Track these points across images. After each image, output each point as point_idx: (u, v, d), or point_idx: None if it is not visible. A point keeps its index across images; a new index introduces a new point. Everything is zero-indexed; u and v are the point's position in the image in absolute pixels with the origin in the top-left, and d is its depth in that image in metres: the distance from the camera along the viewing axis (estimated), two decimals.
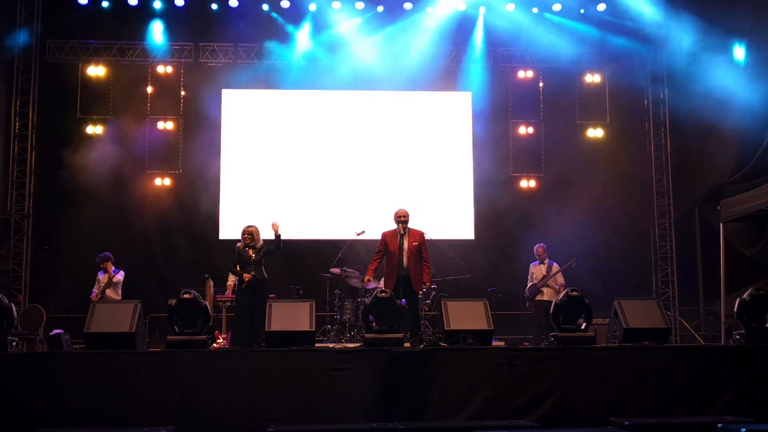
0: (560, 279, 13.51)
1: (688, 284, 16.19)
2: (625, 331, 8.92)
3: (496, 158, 16.88)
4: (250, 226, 11.53)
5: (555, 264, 13.64)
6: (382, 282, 11.38)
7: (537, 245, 13.84)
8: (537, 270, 13.71)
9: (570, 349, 8.43)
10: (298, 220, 16.05)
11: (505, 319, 14.17)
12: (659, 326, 8.96)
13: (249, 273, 11.14)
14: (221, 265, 15.54)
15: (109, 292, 13.23)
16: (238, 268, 11.35)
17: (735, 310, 9.13)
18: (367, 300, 9.66)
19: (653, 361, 8.33)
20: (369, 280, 11.40)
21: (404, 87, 16.72)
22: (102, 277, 13.37)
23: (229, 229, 16.09)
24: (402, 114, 16.79)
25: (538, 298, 13.48)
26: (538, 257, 13.71)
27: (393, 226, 11.43)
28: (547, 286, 13.48)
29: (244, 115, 16.62)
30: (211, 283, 13.50)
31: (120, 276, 13.43)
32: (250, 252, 11.29)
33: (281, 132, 16.61)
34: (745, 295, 9.14)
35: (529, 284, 13.71)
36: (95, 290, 13.30)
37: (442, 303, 9.36)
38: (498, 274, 15.92)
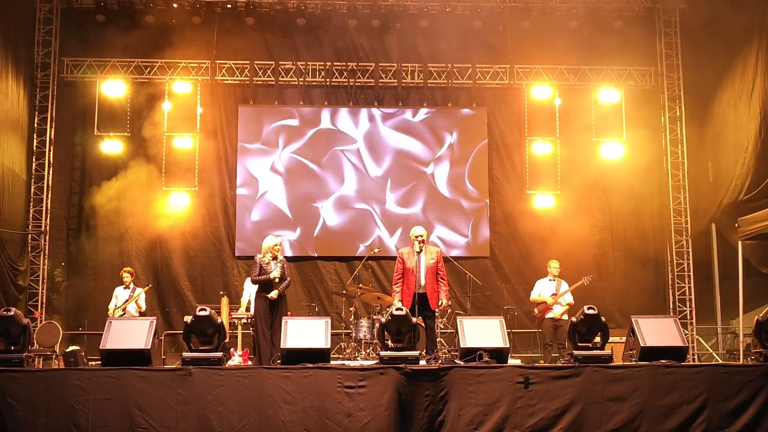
0: (569, 298, 13.36)
1: (705, 302, 16.04)
2: (642, 349, 8.82)
3: (512, 175, 16.90)
4: (278, 235, 11.45)
5: (564, 282, 13.48)
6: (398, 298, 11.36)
7: (551, 261, 13.72)
8: (546, 287, 13.52)
9: (587, 368, 8.36)
10: (314, 237, 16.18)
11: (522, 336, 14.20)
12: (676, 344, 8.86)
13: (273, 289, 11.07)
14: (237, 283, 15.83)
15: (130, 308, 13.23)
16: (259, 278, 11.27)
17: (753, 329, 9.05)
18: (383, 318, 9.59)
19: (671, 379, 8.26)
20: (395, 301, 11.13)
21: (422, 103, 16.84)
22: (121, 293, 13.36)
23: (245, 247, 16.20)
24: (419, 130, 16.82)
25: (548, 316, 13.29)
26: (550, 273, 13.54)
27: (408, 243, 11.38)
28: (560, 303, 13.32)
29: (260, 133, 16.65)
30: (227, 300, 13.48)
31: (143, 295, 13.50)
32: (275, 267, 11.18)
33: (299, 149, 16.65)
34: (762, 314, 9.05)
35: (534, 300, 13.53)
36: (114, 305, 13.25)
37: (458, 320, 9.28)
38: (514, 291, 16.01)
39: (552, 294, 13.32)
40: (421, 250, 11.08)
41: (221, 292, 13.93)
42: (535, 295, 13.56)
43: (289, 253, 15.99)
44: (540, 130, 16.78)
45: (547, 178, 16.68)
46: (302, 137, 16.69)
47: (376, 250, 14.26)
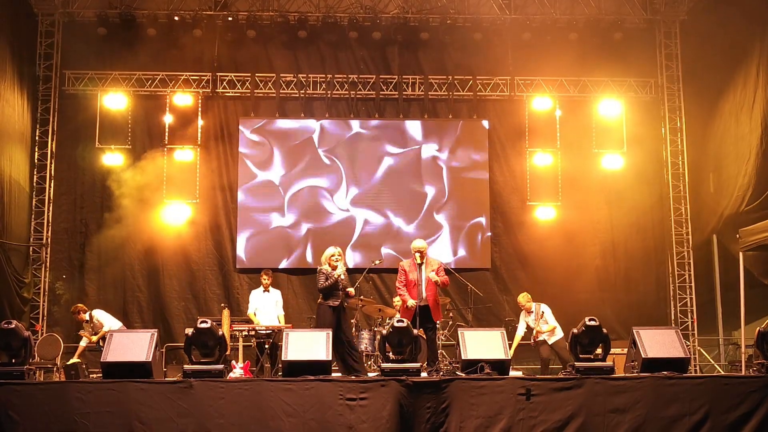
0: (551, 321, 13.21)
1: (707, 313, 16.00)
2: (643, 360, 8.78)
3: (513, 187, 16.89)
4: (337, 247, 11.31)
5: (543, 305, 13.28)
6: (399, 309, 11.39)
7: (519, 297, 13.54)
8: (528, 319, 13.40)
9: (588, 379, 8.32)
10: (315, 249, 16.06)
11: (523, 348, 14.05)
12: (678, 356, 8.79)
13: (338, 298, 10.94)
14: (239, 295, 15.91)
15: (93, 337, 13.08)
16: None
17: (755, 340, 9.00)
18: (384, 329, 9.50)
19: (672, 391, 8.20)
20: (408, 301, 11.13)
21: (423, 115, 16.86)
22: (86, 328, 13.22)
23: (246, 259, 16.21)
24: (419, 141, 16.82)
25: (540, 338, 13.24)
26: (522, 308, 13.40)
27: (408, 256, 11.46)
28: (542, 331, 13.16)
29: (261, 145, 16.65)
30: (228, 312, 13.33)
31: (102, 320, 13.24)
32: (340, 275, 11.03)
33: (300, 161, 16.61)
34: (764, 325, 9.00)
35: (520, 335, 13.42)
36: (88, 340, 13.10)
37: (459, 332, 9.24)
38: (515, 303, 15.22)
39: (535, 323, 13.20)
40: (422, 263, 11.11)
41: (222, 305, 13.87)
42: (519, 332, 13.40)
43: (288, 265, 16.10)
44: (541, 141, 16.78)
45: (548, 190, 16.67)
46: (303, 149, 16.66)
47: (376, 262, 14.16)
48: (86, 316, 13.16)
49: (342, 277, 10.96)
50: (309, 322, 14.57)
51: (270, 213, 16.50)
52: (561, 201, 16.61)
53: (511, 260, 16.71)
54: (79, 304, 13.57)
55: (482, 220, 16.68)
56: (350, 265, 15.34)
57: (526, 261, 16.54)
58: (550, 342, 13.11)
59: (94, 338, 12.95)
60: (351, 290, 11.19)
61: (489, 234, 16.67)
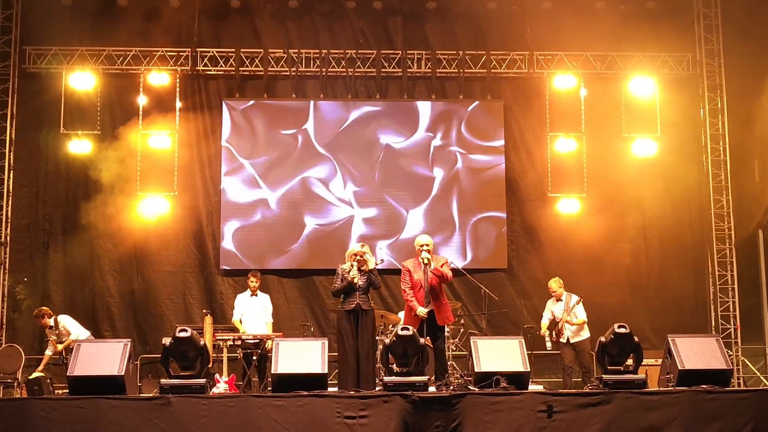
0: (581, 314, 13.22)
1: (752, 319, 15.96)
2: (680, 372, 8.80)
3: (532, 176, 16.79)
4: (363, 245, 11.21)
5: (574, 296, 13.33)
6: (404, 315, 11.28)
7: (550, 281, 13.63)
8: (555, 308, 13.48)
9: (618, 394, 8.33)
10: (309, 247, 16.13)
11: (544, 359, 14.16)
12: (719, 367, 8.84)
13: (354, 302, 10.80)
14: (223, 300, 15.85)
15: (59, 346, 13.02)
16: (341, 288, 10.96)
17: None
18: (387, 338, 9.51)
19: (713, 407, 8.22)
20: (417, 309, 10.82)
21: (430, 95, 16.75)
22: (52, 334, 13.16)
23: (230, 259, 16.14)
24: (425, 125, 16.70)
25: (562, 339, 13.21)
26: (553, 294, 13.48)
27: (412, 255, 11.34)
28: (567, 323, 13.19)
29: (249, 129, 16.52)
30: (211, 319, 13.23)
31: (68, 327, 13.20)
32: (355, 277, 10.85)
33: (292, 148, 16.54)
34: None
35: (545, 323, 13.50)
36: (54, 348, 13.08)
37: (472, 341, 9.25)
38: (534, 308, 15.84)
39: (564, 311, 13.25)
40: (428, 263, 10.91)
41: (204, 311, 13.66)
42: (544, 321, 13.51)
43: (279, 266, 16.07)
44: (563, 125, 16.60)
45: (572, 180, 16.53)
46: (295, 134, 16.55)
47: (378, 262, 14.01)
48: (50, 322, 13.05)
49: (356, 279, 10.78)
50: (302, 331, 14.54)
51: (258, 207, 16.37)
52: (586, 192, 16.46)
53: (529, 259, 16.62)
54: (43, 308, 13.49)
55: (497, 214, 16.57)
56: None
57: (547, 260, 16.39)
58: (573, 340, 13.05)
59: (60, 346, 12.88)
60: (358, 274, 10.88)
61: (505, 230, 16.55)
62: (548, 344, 13.33)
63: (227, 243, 16.25)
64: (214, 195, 16.45)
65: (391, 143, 16.67)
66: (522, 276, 16.61)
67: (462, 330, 13.92)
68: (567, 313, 13.10)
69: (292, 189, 16.50)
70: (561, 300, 13.31)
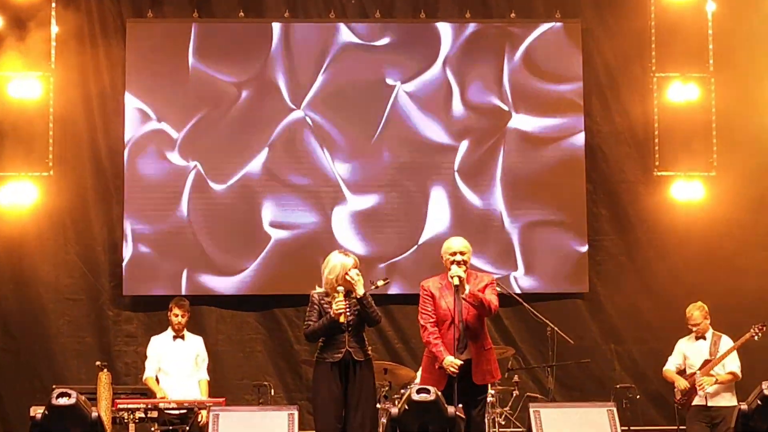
0: (731, 365, 11.39)
1: None
2: None
3: (629, 144, 14.17)
4: (348, 254, 9.66)
5: (726, 338, 11.61)
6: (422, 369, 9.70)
7: (690, 306, 11.73)
8: (692, 351, 11.62)
9: None
10: (270, 261, 13.90)
11: None
12: None
13: (341, 350, 9.37)
14: (128, 345, 14.07)
15: None
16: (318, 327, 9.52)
17: None
18: (395, 406, 8.88)
19: None
20: (445, 358, 9.19)
21: (461, 12, 14.02)
22: None
23: (141, 279, 13.69)
24: (455, 63, 14.03)
25: (696, 402, 11.41)
26: (693, 327, 11.60)
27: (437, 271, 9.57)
28: (712, 375, 11.40)
29: (165, 72, 13.99)
30: (109, 377, 11.20)
31: None
32: (343, 309, 9.29)
33: (242, 102, 14.03)
34: None
35: (667, 375, 11.87)
36: None
37: (531, 409, 8.71)
38: (632, 358, 13.97)
39: (705, 362, 11.40)
40: (461, 283, 9.10)
41: (98, 363, 11.39)
42: (670, 366, 11.80)
43: (225, 291, 14.04)
44: (680, 61, 14.05)
45: (694, 151, 14.17)
46: (239, 81, 14.10)
47: (380, 283, 11.46)
48: None
49: (342, 315, 9.31)
50: (255, 394, 13.02)
51: (183, 196, 13.78)
52: (716, 170, 13.99)
53: (624, 278, 14.09)
54: None
55: (571, 204, 14.08)
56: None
57: (654, 277, 13.86)
58: (713, 403, 11.40)
59: None
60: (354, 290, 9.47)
61: (584, 230, 14.00)
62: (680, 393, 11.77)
63: (135, 252, 13.72)
64: (113, 177, 13.97)
65: (399, 90, 14.20)
66: (611, 305, 14.04)
67: (515, 392, 11.95)
68: (714, 359, 11.49)
69: (242, 169, 14.10)
70: (704, 338, 11.67)
